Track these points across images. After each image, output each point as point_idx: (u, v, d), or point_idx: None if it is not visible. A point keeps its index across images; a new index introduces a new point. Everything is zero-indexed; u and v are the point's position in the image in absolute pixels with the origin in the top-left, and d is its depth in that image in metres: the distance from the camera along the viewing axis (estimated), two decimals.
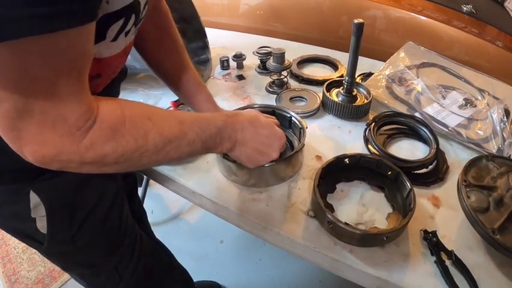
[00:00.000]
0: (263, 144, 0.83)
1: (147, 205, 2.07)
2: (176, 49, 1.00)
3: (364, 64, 1.50)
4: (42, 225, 0.78)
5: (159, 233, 1.78)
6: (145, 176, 1.96)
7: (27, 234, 0.82)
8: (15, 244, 2.05)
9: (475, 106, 1.23)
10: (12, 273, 1.91)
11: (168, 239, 1.91)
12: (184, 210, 2.21)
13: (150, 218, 1.83)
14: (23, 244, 1.00)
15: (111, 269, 0.96)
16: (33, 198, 0.75)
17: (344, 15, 1.75)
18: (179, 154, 0.67)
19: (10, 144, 0.51)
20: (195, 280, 1.66)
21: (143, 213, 1.39)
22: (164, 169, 1.04)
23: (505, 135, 1.11)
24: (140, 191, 2.00)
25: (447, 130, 1.13)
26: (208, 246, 1.99)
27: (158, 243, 1.26)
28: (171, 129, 0.64)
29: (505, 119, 1.15)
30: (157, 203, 2.25)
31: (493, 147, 1.09)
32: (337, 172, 0.98)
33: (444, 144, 1.13)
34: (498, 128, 1.13)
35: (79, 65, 0.51)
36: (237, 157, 0.83)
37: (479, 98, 1.28)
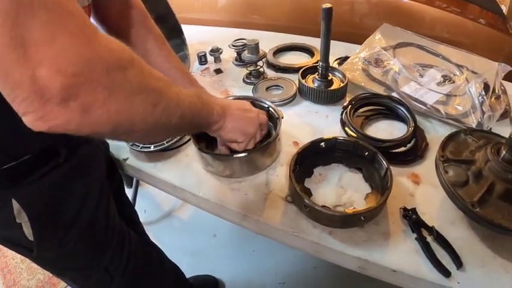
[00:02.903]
0: (245, 110, 0.89)
1: (139, 205, 2.08)
2: (156, 40, 1.00)
3: (340, 48, 1.50)
4: (29, 231, 0.77)
5: (153, 231, 1.79)
6: (134, 178, 1.97)
7: (16, 242, 0.81)
8: (13, 254, 2.05)
9: (454, 82, 1.23)
10: (12, 283, 1.92)
11: (162, 237, 1.93)
12: (176, 207, 2.22)
13: (143, 218, 1.83)
14: None
15: (101, 270, 0.96)
16: (15, 204, 0.73)
17: (322, 2, 1.74)
18: (181, 102, 0.64)
19: (21, 77, 0.40)
20: (190, 275, 1.68)
21: (133, 213, 1.39)
22: (145, 166, 1.05)
23: (484, 108, 1.10)
24: (131, 191, 2.01)
25: (425, 108, 1.13)
26: (201, 241, 2.00)
27: (148, 242, 1.26)
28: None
29: (483, 93, 1.14)
30: (149, 202, 2.26)
31: (472, 121, 1.08)
32: (314, 156, 0.98)
33: (423, 122, 1.13)
34: (477, 101, 1.12)
35: None
36: (232, 125, 0.84)
37: (458, 73, 1.27)
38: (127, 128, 0.53)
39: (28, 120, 0.44)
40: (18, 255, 2.03)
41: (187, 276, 1.65)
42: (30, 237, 0.78)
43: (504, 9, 2.48)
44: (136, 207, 1.99)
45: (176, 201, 2.22)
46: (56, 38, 0.40)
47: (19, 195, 0.73)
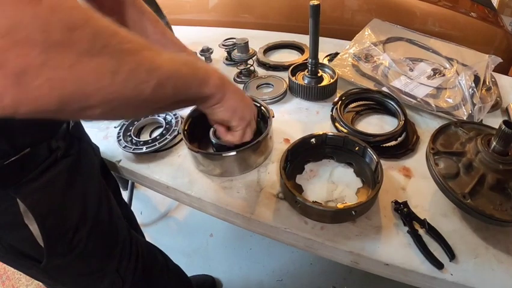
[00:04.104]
0: (242, 92, 0.79)
1: (135, 207, 2.08)
2: (149, 19, 0.98)
3: (330, 45, 1.51)
4: (38, 234, 0.74)
5: (150, 233, 1.79)
6: (129, 180, 1.97)
7: (23, 252, 0.78)
8: None
9: (444, 75, 1.23)
10: None
11: (159, 238, 1.94)
12: (172, 208, 2.22)
13: (140, 219, 1.81)
14: None
15: (113, 271, 0.95)
16: (21, 204, 0.71)
17: None
18: (158, 68, 0.52)
19: None
20: (188, 275, 1.67)
21: (131, 216, 1.39)
22: (138, 167, 1.05)
23: (474, 101, 1.11)
24: (127, 194, 2.00)
25: (415, 101, 1.13)
26: (198, 241, 2.01)
27: (151, 243, 1.26)
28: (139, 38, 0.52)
29: (474, 85, 1.15)
30: (145, 204, 2.26)
31: (463, 113, 1.09)
32: (305, 153, 0.98)
33: (414, 116, 1.13)
34: (467, 94, 1.13)
35: None
36: (232, 103, 0.73)
37: (448, 66, 1.27)
38: (81, 103, 0.44)
39: None
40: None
41: None
42: (40, 242, 0.76)
43: (495, 2, 2.50)
44: (132, 210, 1.99)
45: (172, 202, 2.23)
46: None
47: (23, 195, 0.70)
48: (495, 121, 1.05)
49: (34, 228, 0.74)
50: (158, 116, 1.17)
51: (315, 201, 0.83)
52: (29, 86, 0.38)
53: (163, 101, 0.57)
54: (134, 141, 1.09)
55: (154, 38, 0.97)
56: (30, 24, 0.36)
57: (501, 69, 1.35)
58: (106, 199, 0.93)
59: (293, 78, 1.24)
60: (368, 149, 0.92)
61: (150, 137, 1.15)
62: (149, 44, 0.52)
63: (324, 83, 1.23)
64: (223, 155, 0.91)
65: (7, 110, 0.38)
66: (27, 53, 0.37)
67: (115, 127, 1.18)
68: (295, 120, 1.16)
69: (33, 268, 0.81)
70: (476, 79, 1.19)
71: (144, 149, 1.05)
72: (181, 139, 1.09)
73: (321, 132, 0.98)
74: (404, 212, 0.83)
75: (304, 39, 1.55)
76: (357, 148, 0.95)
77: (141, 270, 1.02)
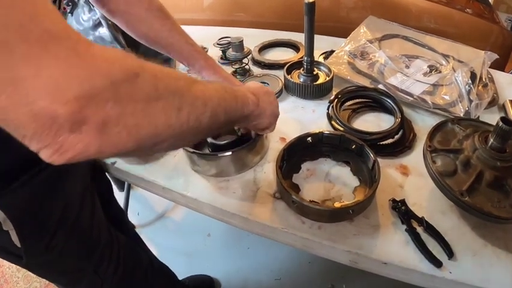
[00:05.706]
0: (266, 91, 0.83)
1: (132, 208, 2.07)
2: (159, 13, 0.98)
3: (326, 43, 1.50)
4: (16, 238, 0.76)
5: (147, 233, 1.78)
6: (126, 182, 1.96)
7: (6, 250, 0.79)
8: (9, 264, 2.05)
9: (440, 72, 1.23)
10: None
11: (156, 238, 1.93)
12: (170, 208, 2.21)
13: (137, 220, 1.80)
14: None
15: (91, 272, 0.96)
16: (1, 213, 0.72)
17: None
18: (209, 99, 0.56)
19: (20, 116, 0.37)
20: (186, 275, 1.67)
21: (120, 214, 1.38)
22: (134, 169, 1.03)
23: (471, 97, 1.10)
24: (123, 195, 2.00)
25: (412, 98, 1.13)
26: (196, 241, 2.00)
27: (137, 244, 1.25)
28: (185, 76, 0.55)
29: (470, 82, 1.14)
30: (143, 204, 2.25)
31: (460, 110, 1.08)
32: (301, 152, 0.98)
33: (410, 113, 1.13)
34: (464, 90, 1.12)
35: None
36: (269, 111, 0.81)
37: (444, 63, 1.27)
38: (153, 140, 0.48)
39: (45, 157, 0.40)
40: (14, 265, 2.04)
41: (183, 276, 1.65)
42: (18, 244, 0.77)
43: None
44: (129, 210, 1.99)
45: (169, 203, 2.21)
46: (42, 67, 0.36)
47: (3, 203, 0.71)
48: (492, 118, 1.05)
49: (12, 233, 0.75)
50: None
51: (312, 201, 0.82)
52: (110, 135, 0.42)
53: (216, 126, 0.61)
54: None
55: (161, 35, 0.97)
56: (99, 83, 0.39)
57: (497, 65, 1.35)
58: (89, 203, 0.94)
59: (289, 77, 1.24)
60: (365, 147, 0.91)
61: None
62: (193, 78, 0.56)
63: (320, 81, 1.23)
64: (219, 155, 0.91)
65: (92, 156, 0.42)
66: (103, 108, 0.40)
67: None
68: (291, 118, 1.15)
69: (18, 263, 0.83)
70: (473, 76, 1.19)
71: None
72: None
73: (317, 131, 0.98)
74: (402, 210, 0.83)
75: (300, 37, 1.54)
76: (353, 146, 0.95)
77: (123, 271, 1.03)
